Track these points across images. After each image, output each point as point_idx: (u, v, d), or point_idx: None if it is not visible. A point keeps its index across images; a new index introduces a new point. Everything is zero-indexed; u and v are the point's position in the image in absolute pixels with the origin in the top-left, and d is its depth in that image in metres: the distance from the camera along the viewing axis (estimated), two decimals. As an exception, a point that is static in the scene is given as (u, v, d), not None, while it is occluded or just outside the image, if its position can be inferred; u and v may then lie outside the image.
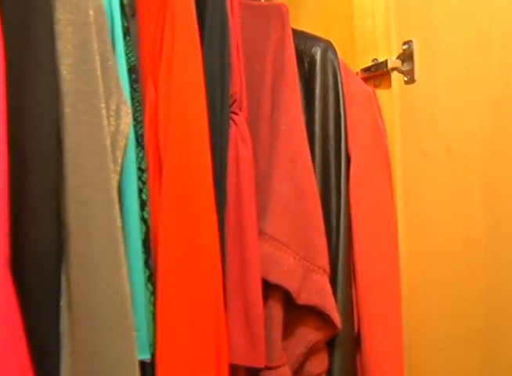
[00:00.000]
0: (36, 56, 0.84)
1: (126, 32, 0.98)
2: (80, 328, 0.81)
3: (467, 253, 1.08)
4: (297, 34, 1.15)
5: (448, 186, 1.11)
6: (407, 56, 1.18)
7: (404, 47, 1.18)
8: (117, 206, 0.84)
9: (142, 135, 0.96)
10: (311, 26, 1.25)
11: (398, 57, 1.20)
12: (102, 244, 0.82)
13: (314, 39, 1.17)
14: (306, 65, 1.16)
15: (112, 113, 0.89)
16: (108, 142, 0.85)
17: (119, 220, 0.84)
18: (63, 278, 0.83)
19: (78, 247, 0.82)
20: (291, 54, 1.11)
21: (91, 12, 0.88)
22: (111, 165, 0.85)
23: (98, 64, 0.86)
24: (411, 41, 1.17)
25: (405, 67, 1.18)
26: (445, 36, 1.11)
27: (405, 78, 1.19)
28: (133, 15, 1.08)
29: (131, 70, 0.97)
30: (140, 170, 0.95)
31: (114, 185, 0.85)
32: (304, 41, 1.16)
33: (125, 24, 0.98)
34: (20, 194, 0.80)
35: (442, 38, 1.11)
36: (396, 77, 1.21)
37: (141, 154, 0.95)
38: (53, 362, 0.81)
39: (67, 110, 0.84)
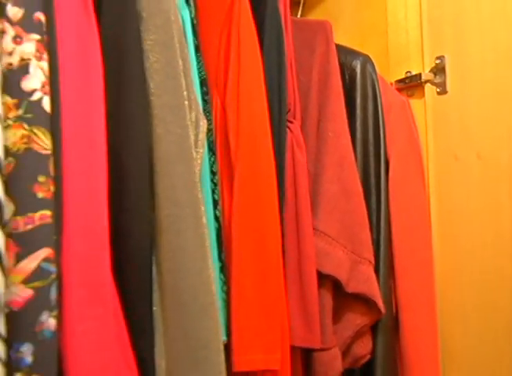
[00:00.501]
0: (129, 73, 0.95)
1: (197, 49, 1.09)
2: (172, 312, 0.93)
3: (496, 251, 1.20)
4: (338, 48, 1.27)
5: (478, 188, 1.24)
6: (439, 70, 1.30)
7: (437, 61, 1.31)
8: (202, 206, 0.96)
9: (212, 142, 1.07)
10: (347, 39, 1.36)
11: (431, 70, 1.33)
12: (191, 239, 0.93)
13: (354, 53, 1.29)
14: (347, 77, 1.27)
15: (192, 124, 1.00)
16: (193, 149, 0.96)
17: (204, 218, 0.95)
18: (154, 269, 0.95)
19: (170, 242, 0.93)
20: (336, 67, 1.23)
21: (174, 33, 0.99)
22: (196, 170, 0.96)
23: (183, 80, 0.98)
24: (443, 56, 1.30)
25: (438, 80, 1.31)
26: (477, 50, 1.23)
27: (438, 90, 1.32)
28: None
29: (202, 83, 1.08)
30: (212, 173, 1.06)
31: (199, 187, 0.96)
32: (344, 55, 1.28)
33: (195, 42, 1.09)
34: (119, 198, 0.91)
35: (474, 53, 1.24)
36: (429, 89, 1.33)
37: (212, 159, 1.07)
38: (148, 341, 0.93)
39: (157, 121, 0.95)
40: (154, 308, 0.94)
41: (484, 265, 1.24)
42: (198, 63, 1.08)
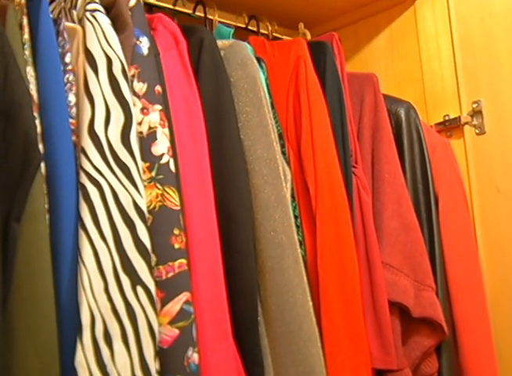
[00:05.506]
0: (228, 134, 1.08)
1: (272, 106, 1.22)
2: (280, 342, 1.05)
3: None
4: (383, 96, 1.42)
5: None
6: (476, 113, 1.47)
7: (474, 105, 1.47)
8: (298, 247, 1.08)
9: (293, 189, 1.20)
10: (383, 87, 1.50)
11: (468, 113, 1.49)
12: (293, 276, 1.06)
13: (397, 101, 1.44)
14: (393, 123, 1.42)
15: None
16: (288, 196, 1.09)
17: (300, 257, 1.08)
18: (259, 303, 1.07)
19: (276, 279, 1.05)
20: (385, 114, 1.38)
21: (262, 95, 1.13)
22: (292, 215, 1.09)
23: (273, 136, 1.11)
24: (479, 100, 1.46)
25: (475, 122, 1.47)
26: (510, 93, 1.39)
27: (476, 131, 1.48)
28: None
29: (279, 136, 1.21)
30: (294, 217, 1.18)
31: (295, 230, 1.09)
32: (389, 103, 1.43)
33: (270, 100, 1.23)
34: (229, 242, 1.04)
35: (508, 95, 1.40)
36: (468, 130, 1.49)
37: (293, 204, 1.19)
38: (260, 369, 1.04)
39: (253, 174, 1.08)
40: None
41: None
42: (274, 119, 1.21)
